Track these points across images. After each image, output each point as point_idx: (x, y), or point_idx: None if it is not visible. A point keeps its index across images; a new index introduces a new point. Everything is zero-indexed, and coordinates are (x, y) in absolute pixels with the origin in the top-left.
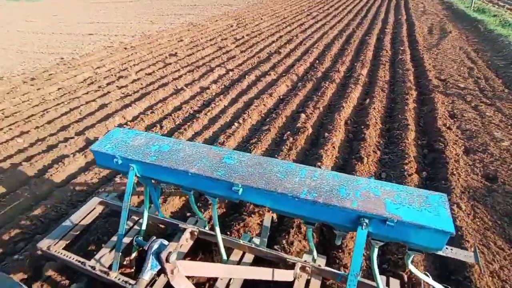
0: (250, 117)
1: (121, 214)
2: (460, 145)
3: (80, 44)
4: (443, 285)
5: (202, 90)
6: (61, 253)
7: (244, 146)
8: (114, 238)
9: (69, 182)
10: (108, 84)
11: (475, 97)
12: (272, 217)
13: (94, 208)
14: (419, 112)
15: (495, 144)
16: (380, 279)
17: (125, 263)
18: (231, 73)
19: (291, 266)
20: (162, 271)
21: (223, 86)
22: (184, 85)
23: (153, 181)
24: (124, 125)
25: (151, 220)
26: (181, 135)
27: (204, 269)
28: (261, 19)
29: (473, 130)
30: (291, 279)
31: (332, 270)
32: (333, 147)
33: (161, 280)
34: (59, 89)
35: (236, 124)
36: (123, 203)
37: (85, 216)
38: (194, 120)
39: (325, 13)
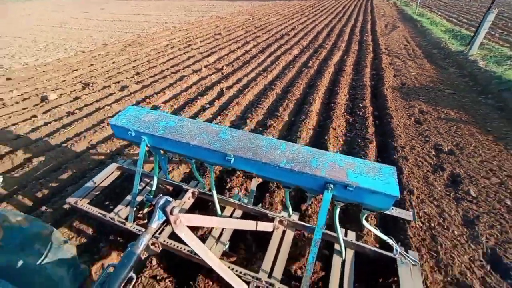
0: (280, 63)
1: (134, 177)
2: (392, 73)
3: (143, 27)
4: (388, 236)
5: (246, 52)
6: (86, 207)
7: (282, 71)
8: (129, 197)
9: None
10: (184, 47)
11: (404, 57)
12: (258, 182)
13: (113, 172)
14: (372, 62)
15: (409, 73)
16: (340, 231)
17: (139, 215)
18: (261, 43)
19: (271, 220)
20: (167, 221)
21: (258, 50)
22: (236, 48)
23: (161, 150)
24: (207, 66)
25: (160, 182)
26: (242, 70)
27: (202, 220)
28: (269, 15)
29: (399, 68)
30: (270, 229)
31: (303, 223)
32: (328, 73)
33: (167, 229)
34: (152, 50)
35: (273, 65)
36: (136, 168)
37: (105, 179)
38: (248, 64)
39: (314, 13)
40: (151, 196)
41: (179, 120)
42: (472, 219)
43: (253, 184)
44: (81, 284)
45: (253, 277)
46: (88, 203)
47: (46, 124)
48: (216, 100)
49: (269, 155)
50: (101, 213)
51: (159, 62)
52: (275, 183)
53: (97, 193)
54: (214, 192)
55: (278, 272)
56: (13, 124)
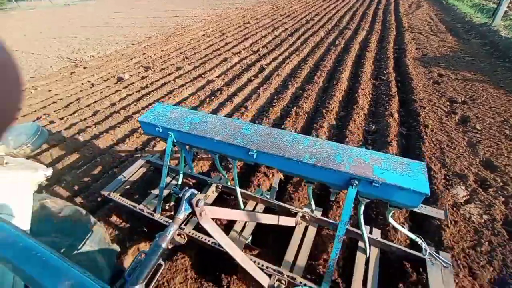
0: (309, 43)
1: (162, 171)
2: (414, 47)
3: (176, 21)
4: (416, 235)
5: (276, 36)
6: (119, 199)
7: (312, 50)
8: (157, 190)
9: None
10: (219, 36)
11: (426, 32)
12: (280, 178)
13: (141, 166)
14: (396, 38)
15: (430, 46)
16: (365, 228)
17: (166, 207)
18: (288, 29)
19: (294, 215)
20: (192, 213)
21: (287, 34)
22: (266, 34)
23: (186, 146)
24: (244, 49)
25: (186, 176)
26: (276, 51)
27: (226, 213)
28: (291, 4)
29: (421, 42)
30: (293, 224)
31: (326, 219)
32: (354, 49)
33: (192, 221)
34: (191, 39)
35: (303, 46)
36: (163, 162)
37: (135, 173)
38: (280, 46)
39: None
40: (178, 189)
41: (203, 116)
42: (475, 143)
43: (276, 179)
44: (114, 263)
45: (275, 270)
46: (120, 195)
47: (128, 95)
48: (259, 74)
49: (291, 150)
50: (131, 205)
51: (202, 48)
52: (298, 178)
53: (128, 186)
54: (237, 187)
55: (299, 267)
56: (106, 96)
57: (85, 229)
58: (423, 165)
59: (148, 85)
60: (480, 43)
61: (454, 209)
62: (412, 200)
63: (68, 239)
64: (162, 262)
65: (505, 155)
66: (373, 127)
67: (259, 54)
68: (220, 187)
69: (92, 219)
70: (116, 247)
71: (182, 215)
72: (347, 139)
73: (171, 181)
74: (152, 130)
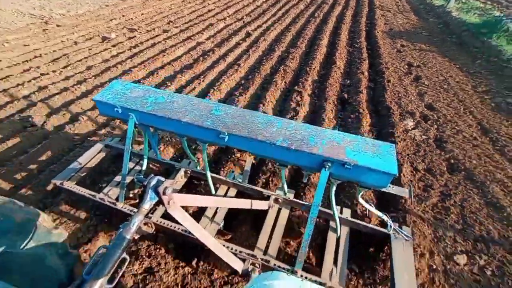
0: (290, 15)
1: (123, 156)
2: (383, 22)
3: None
4: (382, 213)
5: (258, 6)
6: (74, 188)
7: (293, 21)
8: (119, 177)
9: None
10: (200, 2)
11: (394, 11)
12: (253, 163)
13: (99, 151)
14: (368, 14)
15: (396, 22)
16: (336, 208)
17: (130, 195)
18: (268, 0)
19: (266, 198)
20: (160, 202)
21: (269, 5)
22: (248, 3)
23: (150, 128)
24: (229, 16)
25: (151, 161)
26: (259, 20)
27: (196, 200)
28: None
29: (389, 19)
30: (266, 208)
31: (299, 201)
32: (332, 21)
33: (160, 209)
34: (172, 4)
35: (284, 16)
36: (124, 146)
37: (92, 159)
38: (263, 15)
39: None
40: (142, 176)
41: (168, 95)
42: (422, 93)
43: (248, 163)
44: (73, 267)
45: (248, 254)
46: (76, 184)
47: (120, 53)
48: (247, 38)
49: (264, 133)
50: (90, 194)
51: (185, 14)
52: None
53: (84, 174)
54: (208, 171)
55: (273, 249)
56: (96, 54)
57: (26, 225)
58: (392, 146)
59: (138, 45)
60: (436, 22)
61: (404, 132)
62: (381, 181)
63: (16, 244)
64: (127, 256)
65: (441, 101)
66: (348, 81)
67: (243, 22)
68: (189, 172)
69: (35, 212)
70: (76, 252)
71: (147, 204)
72: (327, 89)
73: (134, 166)
74: (110, 110)
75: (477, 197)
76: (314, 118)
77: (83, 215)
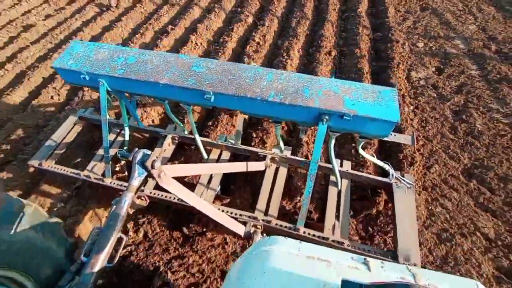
0: None
1: (102, 127)
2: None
3: None
4: (384, 162)
5: None
6: (55, 167)
7: None
8: (101, 151)
9: None
10: None
11: None
12: (244, 118)
13: (74, 125)
14: None
15: None
16: (336, 162)
17: (117, 168)
18: None
19: (263, 158)
20: (150, 176)
21: None
22: None
23: (125, 94)
24: None
25: (133, 130)
26: None
27: (187, 169)
28: None
29: None
30: (262, 168)
31: (297, 158)
32: None
33: (152, 181)
34: None
35: None
36: (101, 117)
37: (67, 134)
38: None
39: None
40: (125, 151)
41: (139, 54)
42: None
43: (239, 122)
44: (69, 252)
45: (249, 217)
46: (55, 163)
47: None
48: None
49: (254, 88)
50: (73, 173)
51: None
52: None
53: (62, 150)
54: (197, 135)
55: (274, 209)
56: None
57: (20, 216)
58: (394, 91)
59: None
60: None
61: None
62: (383, 130)
63: (13, 234)
64: (123, 236)
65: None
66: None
67: None
68: (176, 138)
69: (26, 204)
70: (58, 220)
71: (136, 181)
72: None
73: (116, 137)
74: (76, 78)
75: (436, 20)
76: None
77: (67, 194)
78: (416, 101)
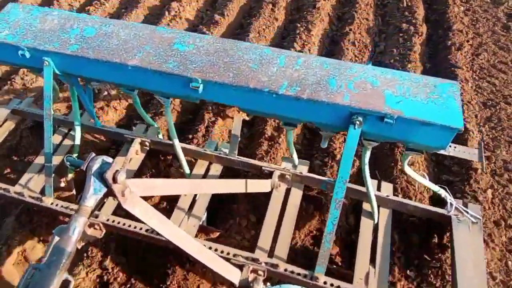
0: None
1: (44, 125)
2: None
3: None
4: (439, 186)
5: None
6: None
7: None
8: (41, 159)
9: None
10: None
11: None
12: (244, 119)
13: (5, 121)
14: None
15: None
16: (371, 183)
17: (61, 184)
18: None
19: (268, 175)
20: (109, 194)
21: None
22: None
23: (79, 79)
24: None
25: (87, 130)
26: None
27: (163, 186)
28: None
29: None
30: (268, 189)
31: (316, 176)
32: None
33: (110, 202)
34: None
35: None
36: (43, 111)
37: None
38: None
39: None
40: (75, 158)
41: (101, 24)
42: None
43: (237, 123)
44: None
45: (247, 258)
46: None
47: None
48: None
49: (260, 76)
50: (1, 188)
51: None
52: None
53: None
54: (176, 140)
55: (282, 249)
56: None
57: None
58: (455, 86)
59: None
60: None
61: None
62: (440, 139)
63: None
64: (70, 277)
65: None
66: None
67: None
68: (147, 143)
69: None
70: None
71: (91, 200)
72: None
73: (62, 140)
74: (11, 55)
75: None
76: None
77: None
78: (468, 4)
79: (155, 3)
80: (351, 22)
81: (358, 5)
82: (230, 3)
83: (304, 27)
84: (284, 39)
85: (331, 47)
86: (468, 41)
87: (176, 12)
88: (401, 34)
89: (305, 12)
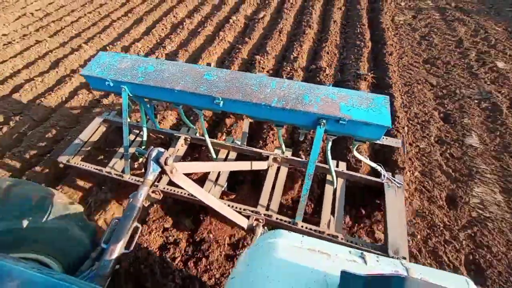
0: None
1: (122, 129)
2: None
3: None
4: (377, 163)
5: None
6: (81, 164)
7: None
8: (121, 150)
9: None
10: None
11: None
12: (251, 122)
13: (99, 126)
14: None
15: None
16: (332, 162)
17: (135, 166)
18: None
19: (266, 158)
20: (163, 172)
21: None
22: None
23: (144, 99)
24: None
25: (150, 132)
26: None
27: (197, 166)
28: None
29: None
30: (265, 167)
31: (297, 158)
32: None
33: (166, 177)
34: None
35: None
36: (122, 119)
37: (92, 134)
38: None
39: None
40: (142, 149)
41: (158, 63)
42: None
43: (245, 125)
44: (92, 238)
45: (252, 211)
46: (81, 160)
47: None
48: None
49: (259, 95)
50: (96, 169)
51: None
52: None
53: (88, 148)
54: (207, 137)
55: (275, 205)
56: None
57: (44, 203)
58: (386, 98)
59: None
60: None
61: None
62: (376, 134)
63: (26, 219)
64: (139, 225)
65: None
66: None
67: None
68: (189, 139)
69: (47, 190)
70: (92, 223)
71: (151, 176)
72: None
73: (135, 138)
74: (101, 84)
75: None
76: None
77: (92, 188)
78: (396, 31)
79: (209, 33)
80: (326, 41)
81: (330, 32)
82: (254, 32)
83: (298, 44)
84: (286, 51)
85: (314, 55)
86: (396, 50)
87: (222, 37)
88: (356, 48)
89: (299, 36)
